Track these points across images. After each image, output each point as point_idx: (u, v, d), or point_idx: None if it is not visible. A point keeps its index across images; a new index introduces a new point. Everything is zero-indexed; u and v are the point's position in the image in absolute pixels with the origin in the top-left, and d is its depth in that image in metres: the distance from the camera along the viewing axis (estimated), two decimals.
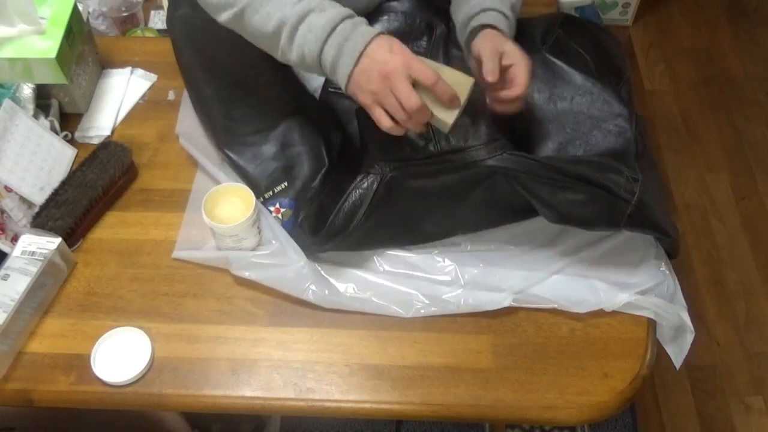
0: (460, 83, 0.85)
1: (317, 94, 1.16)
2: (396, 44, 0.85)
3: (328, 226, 0.96)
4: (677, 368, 0.99)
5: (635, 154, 0.96)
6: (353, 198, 0.96)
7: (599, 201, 0.91)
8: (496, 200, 0.99)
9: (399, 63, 0.83)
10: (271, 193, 1.04)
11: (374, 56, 0.84)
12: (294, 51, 0.89)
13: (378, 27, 1.14)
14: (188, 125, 1.15)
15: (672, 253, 1.01)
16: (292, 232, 1.01)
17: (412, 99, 0.83)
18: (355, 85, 0.87)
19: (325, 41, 0.86)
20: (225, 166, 1.09)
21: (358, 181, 0.96)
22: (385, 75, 0.83)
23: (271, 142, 1.07)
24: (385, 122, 0.86)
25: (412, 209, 1.00)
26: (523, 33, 1.09)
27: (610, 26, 2.47)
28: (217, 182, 1.07)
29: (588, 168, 0.91)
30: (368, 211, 0.96)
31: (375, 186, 0.95)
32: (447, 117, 0.85)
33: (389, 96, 0.84)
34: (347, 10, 0.88)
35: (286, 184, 1.04)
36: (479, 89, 0.91)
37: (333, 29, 0.86)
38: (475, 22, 0.99)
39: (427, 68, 0.83)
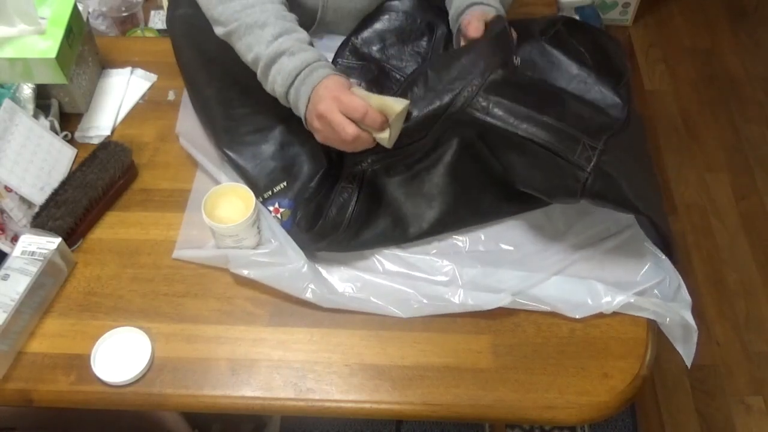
0: (389, 105, 0.90)
1: None
2: (332, 82, 0.92)
3: (321, 223, 0.97)
4: (689, 367, 0.98)
5: (611, 133, 0.93)
6: (343, 196, 0.98)
7: (555, 167, 0.90)
8: (473, 175, 1.01)
9: (328, 101, 0.90)
10: (270, 192, 1.04)
11: (315, 97, 0.92)
12: (267, 86, 0.98)
13: (377, 26, 1.15)
14: (188, 125, 1.15)
15: (667, 251, 1.00)
16: (290, 232, 1.01)
17: (346, 130, 0.89)
18: (307, 124, 0.96)
19: (290, 86, 0.95)
20: (225, 166, 1.09)
21: (344, 182, 0.99)
22: (320, 115, 0.91)
23: (270, 141, 1.07)
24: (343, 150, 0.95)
25: (399, 199, 1.01)
26: (524, 30, 1.09)
27: (610, 26, 2.48)
28: (217, 182, 1.07)
29: (545, 132, 0.90)
30: (357, 208, 0.98)
31: (358, 183, 0.98)
32: (383, 135, 0.91)
33: (329, 131, 0.91)
34: (314, 55, 0.95)
35: (285, 183, 1.04)
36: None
37: (297, 75, 0.94)
38: (465, 17, 1.02)
39: (354, 102, 0.88)
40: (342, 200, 0.99)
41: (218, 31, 1.02)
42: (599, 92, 1.00)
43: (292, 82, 0.94)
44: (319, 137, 0.94)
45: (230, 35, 1.00)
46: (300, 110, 0.95)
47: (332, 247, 1.00)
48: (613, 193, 0.90)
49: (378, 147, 0.94)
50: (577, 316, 0.96)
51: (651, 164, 1.03)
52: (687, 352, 0.99)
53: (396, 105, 0.89)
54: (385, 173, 1.00)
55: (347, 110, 0.88)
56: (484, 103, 0.93)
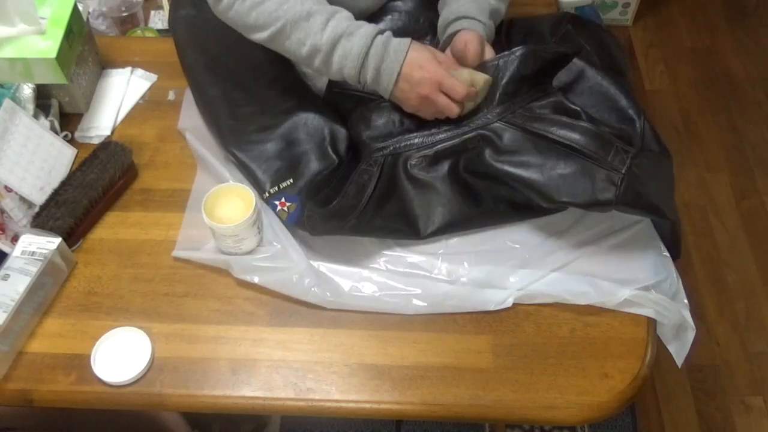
0: (477, 79, 0.99)
1: (321, 94, 1.16)
2: (425, 59, 0.96)
3: (338, 202, 0.97)
4: (679, 366, 0.98)
5: (640, 145, 0.96)
6: (361, 179, 0.98)
7: (590, 174, 0.92)
8: (482, 188, 1.02)
9: (429, 85, 0.95)
10: (276, 188, 1.04)
11: (410, 78, 0.96)
12: (332, 73, 0.98)
13: (381, 26, 1.16)
14: (190, 124, 1.15)
15: (673, 249, 1.01)
16: (297, 223, 1.00)
17: (453, 111, 0.97)
18: (397, 100, 1.00)
19: (362, 65, 0.96)
20: (229, 163, 1.09)
21: (363, 166, 0.99)
22: (424, 97, 0.96)
23: (275, 140, 1.07)
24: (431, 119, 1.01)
25: (411, 194, 1.01)
26: (531, 29, 1.09)
27: (610, 26, 2.47)
28: (221, 178, 1.07)
29: (578, 135, 0.93)
30: (376, 192, 0.98)
31: (378, 169, 0.99)
32: (470, 104, 1.01)
33: (430, 107, 0.98)
34: (374, 27, 0.96)
35: (291, 180, 1.04)
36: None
37: (367, 53, 0.94)
38: (451, 29, 1.05)
39: (456, 87, 0.95)
40: (362, 181, 0.98)
41: (258, 36, 0.99)
42: (615, 95, 1.02)
43: (363, 63, 0.95)
44: (410, 110, 1.00)
45: (275, 37, 0.97)
46: (381, 87, 0.98)
47: (343, 230, 0.98)
48: (644, 200, 0.92)
49: (404, 144, 1.01)
50: (581, 302, 0.96)
51: (671, 171, 1.04)
52: (679, 351, 0.99)
53: (481, 78, 0.99)
54: (406, 162, 1.01)
55: (449, 92, 0.96)
56: (519, 119, 0.98)
